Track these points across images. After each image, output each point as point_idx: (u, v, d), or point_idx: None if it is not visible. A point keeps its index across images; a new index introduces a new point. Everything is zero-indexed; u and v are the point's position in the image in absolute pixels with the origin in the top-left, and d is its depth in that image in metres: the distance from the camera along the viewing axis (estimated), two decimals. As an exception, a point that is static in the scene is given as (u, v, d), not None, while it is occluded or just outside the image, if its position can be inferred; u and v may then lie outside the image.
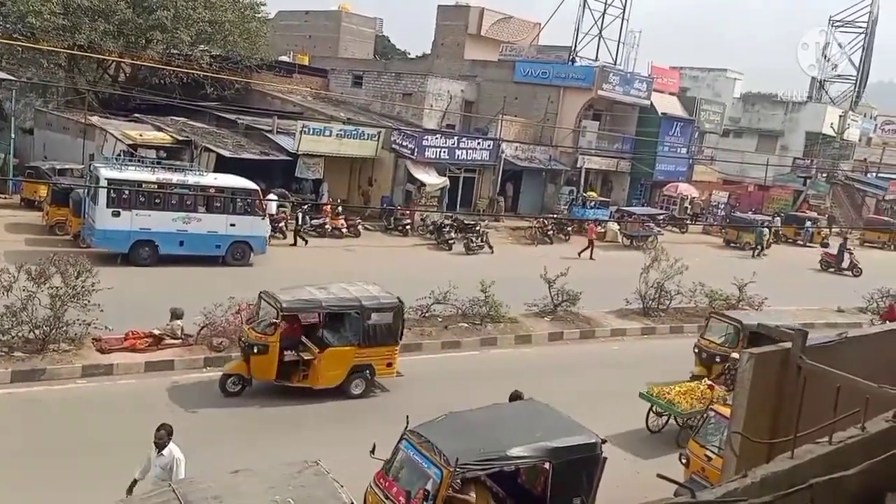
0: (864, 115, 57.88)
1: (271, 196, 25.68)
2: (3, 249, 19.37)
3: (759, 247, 33.96)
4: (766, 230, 35.13)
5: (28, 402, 11.82)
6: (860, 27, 53.98)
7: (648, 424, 12.93)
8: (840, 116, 50.72)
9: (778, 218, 39.86)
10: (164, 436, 8.29)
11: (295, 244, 25.09)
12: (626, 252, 29.94)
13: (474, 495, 8.22)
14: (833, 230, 42.78)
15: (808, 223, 40.27)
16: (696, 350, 15.41)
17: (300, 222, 25.73)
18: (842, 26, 54.93)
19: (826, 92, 55.72)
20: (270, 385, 12.88)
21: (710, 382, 13.24)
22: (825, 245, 39.46)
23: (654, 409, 12.88)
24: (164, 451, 8.24)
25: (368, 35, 63.08)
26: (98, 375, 13.02)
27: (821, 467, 3.23)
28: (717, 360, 14.94)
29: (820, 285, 27.73)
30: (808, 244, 39.02)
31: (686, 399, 12.53)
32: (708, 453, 10.51)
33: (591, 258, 28.18)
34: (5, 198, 26.82)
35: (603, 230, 33.55)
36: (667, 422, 12.93)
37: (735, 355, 13.95)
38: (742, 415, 5.12)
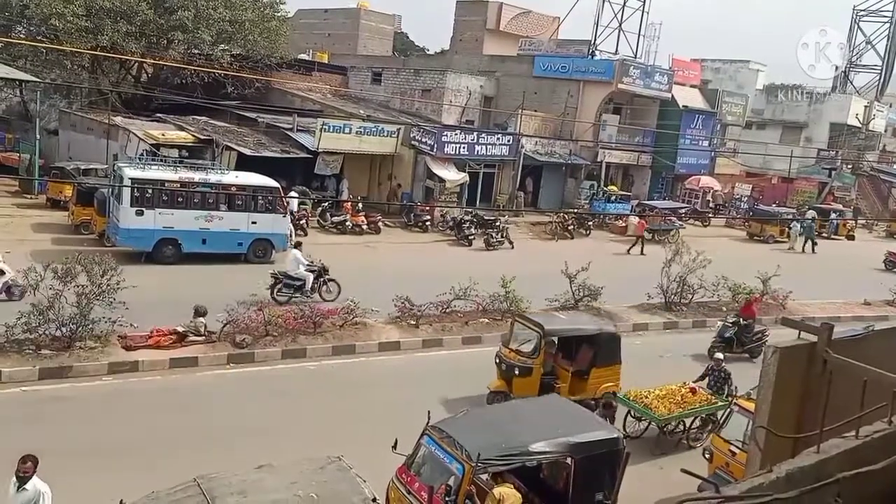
0: (890, 106, 56.92)
1: (292, 194, 25.82)
2: (30, 249, 19.67)
3: (809, 241, 33.62)
4: (814, 224, 34.79)
5: (55, 398, 11.99)
6: (885, 16, 53.12)
7: (626, 429, 12.27)
8: (865, 107, 49.94)
9: (812, 211, 39.15)
10: (30, 468, 7.20)
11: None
12: (648, 246, 29.70)
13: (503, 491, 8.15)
14: (859, 222, 42.17)
15: (834, 215, 39.76)
16: (497, 360, 13.14)
17: (296, 213, 25.43)
18: (866, 16, 54.08)
19: (851, 82, 54.90)
20: None
21: (692, 386, 12.68)
22: (851, 237, 38.95)
23: (631, 412, 12.41)
24: (28, 486, 7.19)
25: (387, 32, 63.24)
26: (124, 372, 13.17)
27: (847, 462, 3.19)
28: (516, 372, 12.69)
29: (876, 282, 25.76)
30: (832, 236, 38.53)
31: (664, 404, 12.00)
32: (732, 448, 10.42)
33: (629, 252, 28.32)
34: (31, 198, 27.20)
35: (624, 224, 33.34)
36: (647, 426, 12.37)
37: (719, 356, 13.32)
38: (767, 409, 5.09)
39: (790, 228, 34.62)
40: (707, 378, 13.14)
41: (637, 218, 32.54)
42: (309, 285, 17.79)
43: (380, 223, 28.07)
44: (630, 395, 12.41)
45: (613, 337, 13.47)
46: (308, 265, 18.14)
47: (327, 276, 18.34)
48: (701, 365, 14.78)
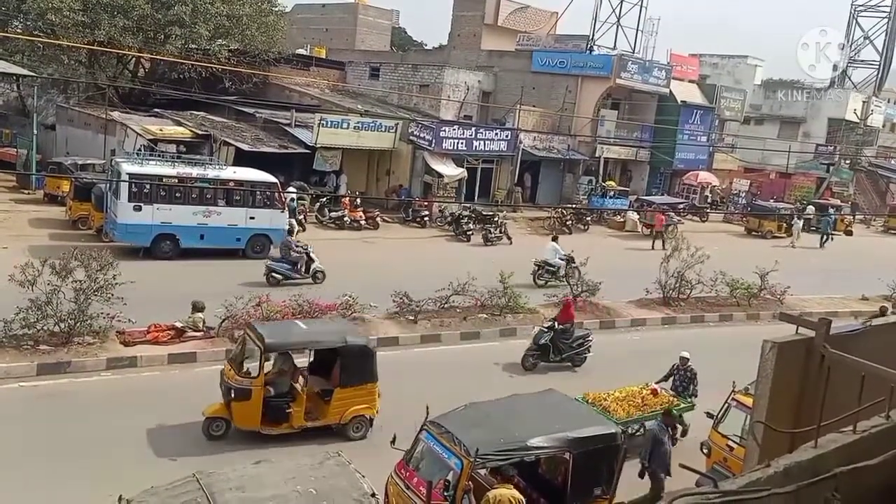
0: (888, 101, 56.90)
1: (290, 189, 25.78)
2: (28, 244, 19.65)
3: (826, 236, 33.69)
4: (830, 218, 35.02)
5: (53, 394, 11.98)
6: (883, 11, 53.06)
7: None
8: (863, 102, 49.93)
9: (811, 207, 39.14)
10: None
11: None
12: (646, 241, 29.76)
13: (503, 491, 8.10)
14: (857, 217, 42.23)
15: (831, 210, 39.78)
16: (220, 380, 11.27)
17: (294, 207, 25.32)
18: (864, 11, 54.04)
19: (849, 77, 54.88)
20: None
21: (654, 387, 12.31)
22: (849, 233, 38.99)
23: None
24: None
25: (385, 27, 63.04)
26: (122, 368, 13.17)
27: (844, 457, 3.20)
28: (233, 394, 10.71)
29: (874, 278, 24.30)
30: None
31: (622, 407, 11.57)
32: (730, 443, 10.43)
33: (653, 248, 28.02)
34: (29, 193, 27.15)
35: (622, 220, 33.35)
36: None
37: (685, 354, 12.57)
38: (765, 404, 5.10)
39: (792, 224, 34.56)
40: (672, 378, 12.68)
41: (636, 213, 32.58)
42: (562, 272, 21.07)
43: (378, 219, 28.07)
44: (588, 397, 11.84)
45: (363, 351, 11.38)
46: (562, 255, 21.59)
47: (573, 265, 21.31)
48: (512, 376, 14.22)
